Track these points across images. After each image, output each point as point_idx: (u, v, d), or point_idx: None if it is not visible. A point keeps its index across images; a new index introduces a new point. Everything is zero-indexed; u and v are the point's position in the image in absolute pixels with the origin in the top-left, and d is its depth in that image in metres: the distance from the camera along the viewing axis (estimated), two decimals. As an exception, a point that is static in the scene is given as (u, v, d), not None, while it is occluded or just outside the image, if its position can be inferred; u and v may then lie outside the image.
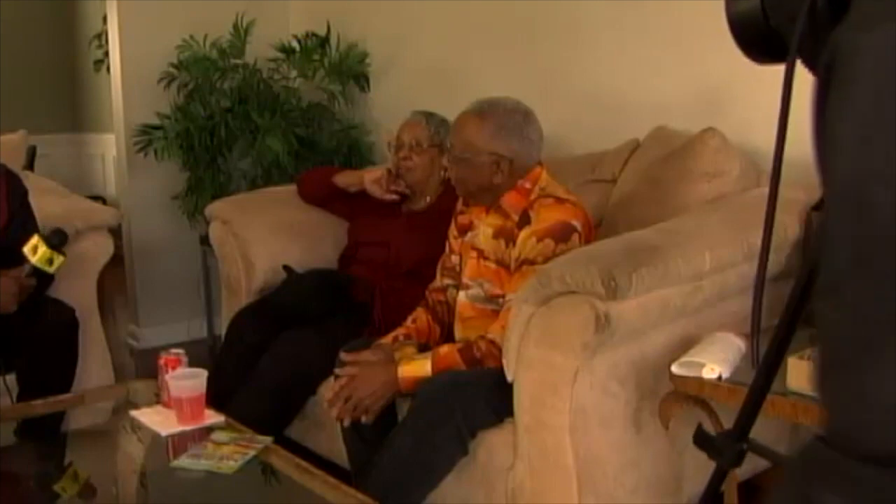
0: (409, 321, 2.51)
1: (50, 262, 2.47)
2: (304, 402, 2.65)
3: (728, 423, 1.33)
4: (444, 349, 2.25)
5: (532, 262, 2.19)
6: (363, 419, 2.23)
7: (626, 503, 2.05)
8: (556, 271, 1.96)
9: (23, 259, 2.52)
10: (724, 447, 1.22)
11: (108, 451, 2.31)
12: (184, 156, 3.85)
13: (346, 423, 2.25)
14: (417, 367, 2.22)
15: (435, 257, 2.64)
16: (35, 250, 2.48)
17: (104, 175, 6.34)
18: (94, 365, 3.02)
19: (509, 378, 2.03)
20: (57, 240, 2.51)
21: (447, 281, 2.57)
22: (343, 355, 2.32)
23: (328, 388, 2.35)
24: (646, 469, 2.09)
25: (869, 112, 0.55)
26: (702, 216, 2.34)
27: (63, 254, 2.51)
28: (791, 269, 2.16)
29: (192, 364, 2.21)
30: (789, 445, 2.23)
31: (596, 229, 2.38)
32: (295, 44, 3.88)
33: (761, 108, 2.09)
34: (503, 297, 2.29)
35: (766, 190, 0.82)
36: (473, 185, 2.38)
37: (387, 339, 2.43)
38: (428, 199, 2.90)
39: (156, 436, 2.11)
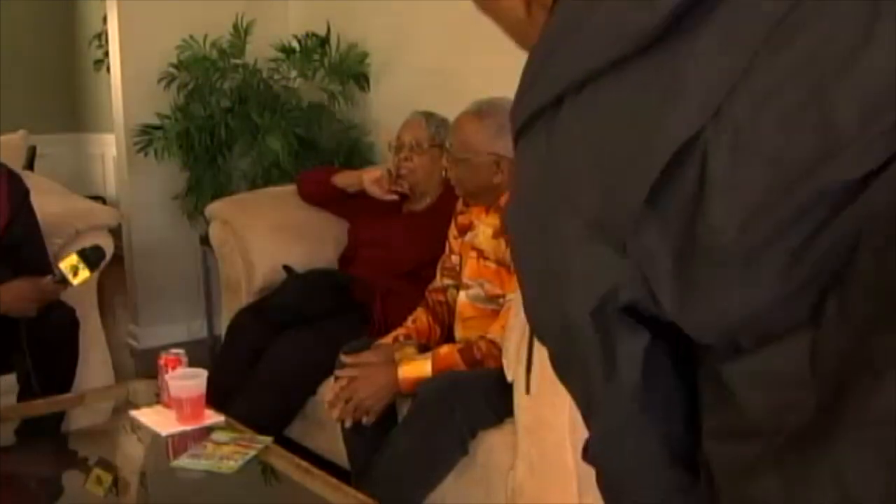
0: (409, 322, 2.51)
1: (75, 272, 2.47)
2: (304, 402, 2.65)
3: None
4: (445, 349, 2.25)
5: (532, 262, 2.19)
6: (364, 420, 2.23)
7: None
8: (556, 271, 1.96)
9: (31, 265, 2.53)
10: None
11: (108, 451, 2.31)
12: (184, 156, 3.85)
13: (348, 424, 2.25)
14: (418, 368, 2.22)
15: (435, 258, 2.64)
16: (66, 258, 2.50)
17: (104, 175, 6.34)
18: (94, 365, 3.02)
19: (509, 378, 2.03)
20: (92, 254, 2.52)
21: (447, 281, 2.57)
22: (343, 357, 2.32)
23: (328, 390, 2.35)
24: (646, 469, 2.09)
25: None
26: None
27: (91, 270, 2.51)
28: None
29: (192, 364, 2.21)
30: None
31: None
32: (295, 44, 3.88)
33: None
34: (503, 296, 2.29)
35: None
36: (473, 186, 2.38)
37: (387, 340, 2.43)
38: (428, 199, 2.89)
39: (156, 436, 2.11)
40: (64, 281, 2.50)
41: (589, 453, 0.87)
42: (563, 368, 0.85)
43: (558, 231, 0.75)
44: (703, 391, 0.78)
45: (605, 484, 0.88)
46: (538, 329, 0.84)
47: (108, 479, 2.18)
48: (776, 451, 0.70)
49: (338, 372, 2.30)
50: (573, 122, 0.74)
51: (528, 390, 1.03)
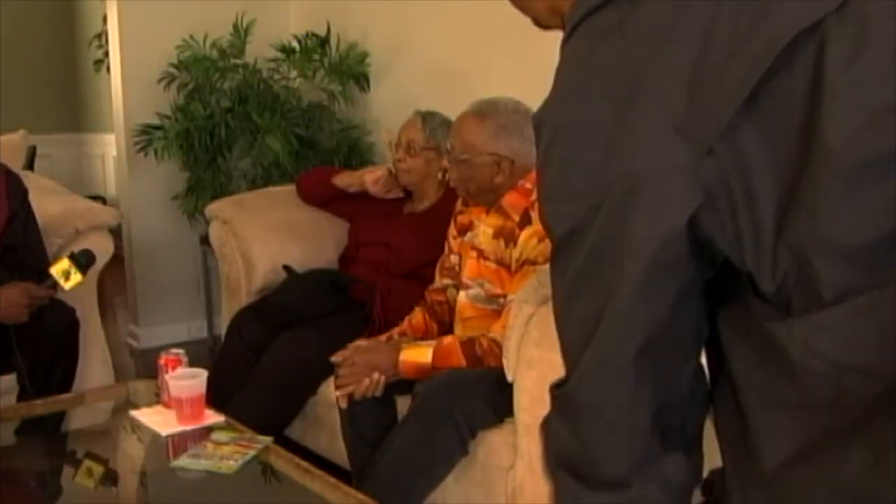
0: (405, 321, 2.52)
1: (67, 276, 2.47)
2: (304, 402, 2.65)
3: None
4: (448, 339, 2.26)
5: (533, 263, 2.19)
6: (370, 393, 2.21)
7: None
8: (556, 271, 1.96)
9: (30, 265, 2.54)
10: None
11: (109, 451, 2.31)
12: (184, 156, 3.85)
13: (359, 393, 2.22)
14: (419, 354, 2.22)
15: (436, 259, 2.65)
16: (57, 262, 2.50)
17: (104, 175, 6.35)
18: (94, 365, 3.02)
19: (509, 378, 2.03)
20: (84, 259, 2.52)
21: (446, 281, 2.57)
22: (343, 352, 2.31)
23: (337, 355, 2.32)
24: (646, 469, 2.09)
25: None
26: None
27: (83, 274, 2.51)
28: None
29: (192, 364, 2.21)
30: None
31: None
32: (295, 44, 3.88)
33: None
34: (504, 297, 2.29)
35: None
36: (474, 186, 2.38)
37: (381, 338, 2.44)
38: (429, 200, 2.89)
39: (156, 436, 2.11)
40: (55, 286, 2.50)
41: (566, 385, 0.76)
42: (586, 274, 0.72)
43: (629, 127, 0.66)
44: (740, 362, 0.71)
45: (569, 430, 0.76)
46: (567, 221, 0.72)
47: (98, 470, 2.18)
48: (857, 421, 0.64)
49: (336, 358, 2.30)
50: (662, 3, 0.66)
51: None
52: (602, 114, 0.67)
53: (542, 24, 0.87)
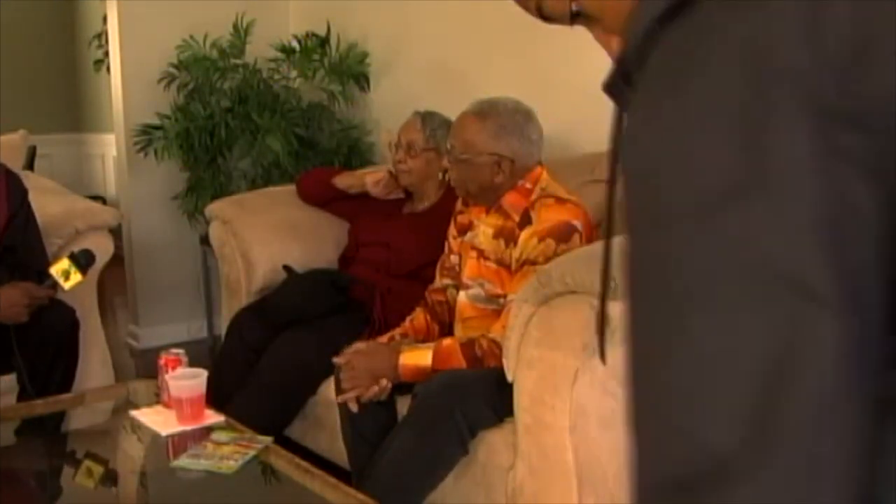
0: (406, 322, 2.52)
1: (66, 276, 2.48)
2: (304, 402, 2.65)
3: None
4: (447, 342, 2.26)
5: (533, 263, 2.19)
6: (364, 398, 2.22)
7: (626, 503, 2.04)
8: (556, 271, 1.96)
9: (30, 266, 2.54)
10: None
11: (109, 451, 2.31)
12: (184, 156, 3.85)
13: (366, 396, 2.23)
14: (419, 357, 2.23)
15: (436, 259, 2.64)
16: (57, 262, 2.51)
17: (104, 175, 6.34)
18: (94, 365, 3.02)
19: (509, 378, 2.03)
20: (84, 259, 2.52)
21: (446, 281, 2.57)
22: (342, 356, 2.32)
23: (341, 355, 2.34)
24: (646, 469, 2.09)
25: None
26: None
27: (83, 274, 2.51)
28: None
29: (192, 364, 2.21)
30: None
31: (596, 229, 2.38)
32: (295, 44, 3.88)
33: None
34: (504, 297, 2.29)
35: None
36: (474, 186, 2.38)
37: (382, 339, 2.44)
38: (429, 200, 2.89)
39: (156, 436, 2.11)
40: (55, 286, 2.50)
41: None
42: (743, 300, 0.52)
43: (770, 116, 0.53)
44: None
45: None
46: (689, 244, 0.54)
47: (98, 470, 2.18)
48: None
49: (338, 360, 2.30)
50: None
51: (603, 360, 0.89)
52: (733, 104, 0.55)
53: (545, 14, 0.80)
